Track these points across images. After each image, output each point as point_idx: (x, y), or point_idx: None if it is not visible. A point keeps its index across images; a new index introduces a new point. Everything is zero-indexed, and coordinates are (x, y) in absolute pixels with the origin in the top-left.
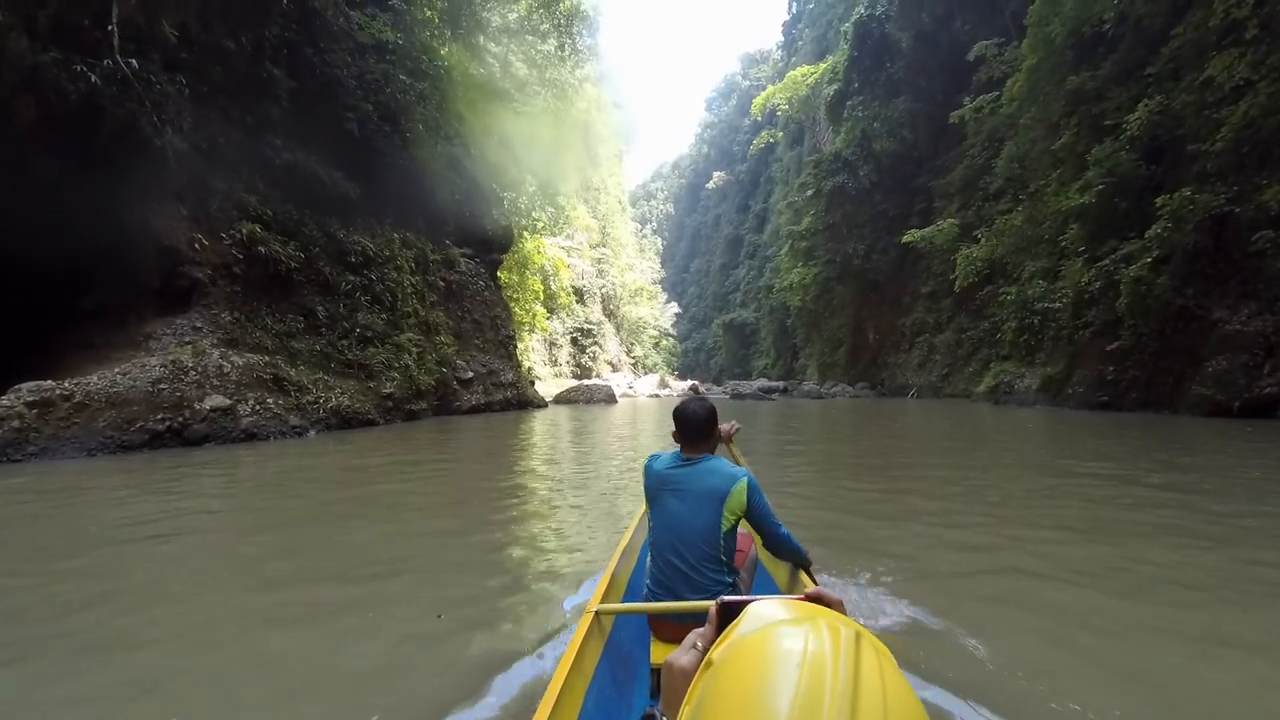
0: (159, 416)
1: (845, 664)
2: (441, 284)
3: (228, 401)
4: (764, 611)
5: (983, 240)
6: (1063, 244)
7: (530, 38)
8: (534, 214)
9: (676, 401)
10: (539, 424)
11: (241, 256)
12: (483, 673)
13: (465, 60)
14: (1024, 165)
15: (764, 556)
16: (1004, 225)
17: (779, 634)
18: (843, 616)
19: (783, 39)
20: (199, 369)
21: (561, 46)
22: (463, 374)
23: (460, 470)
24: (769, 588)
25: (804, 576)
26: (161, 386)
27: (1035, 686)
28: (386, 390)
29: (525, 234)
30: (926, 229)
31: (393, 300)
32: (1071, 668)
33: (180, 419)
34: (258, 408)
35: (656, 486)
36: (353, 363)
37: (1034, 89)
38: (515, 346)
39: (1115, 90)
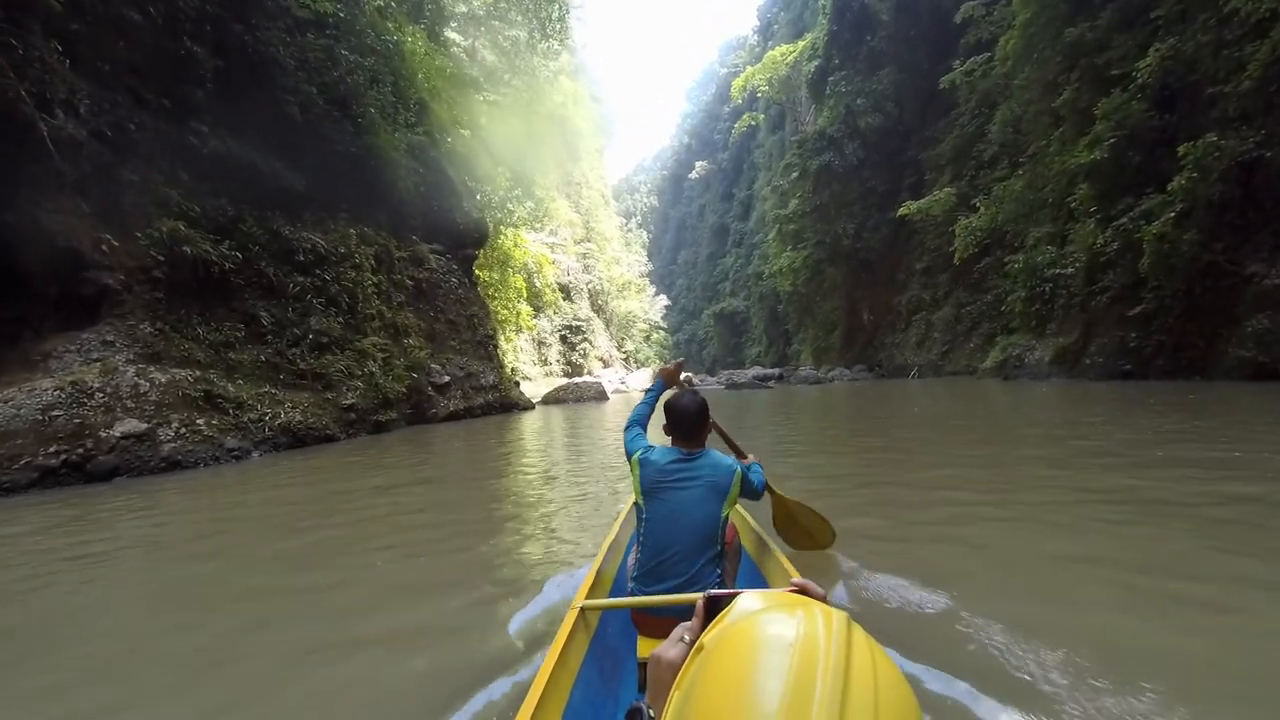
0: (51, 449)
1: (836, 648)
2: (409, 283)
3: (144, 426)
4: (753, 601)
5: (981, 209)
6: (1071, 205)
7: (498, 23)
8: (510, 206)
9: (671, 394)
10: (524, 427)
11: (163, 258)
12: (468, 672)
13: (425, 45)
14: (1020, 129)
15: (748, 545)
16: (1003, 192)
17: (770, 619)
18: (839, 611)
19: (759, 23)
20: (108, 390)
21: (532, 34)
22: (438, 379)
23: (429, 487)
24: (754, 576)
25: (787, 565)
26: (55, 413)
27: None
28: (348, 401)
29: (502, 228)
30: (922, 200)
31: (351, 302)
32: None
33: (80, 450)
34: (184, 431)
35: (656, 480)
36: (306, 372)
37: (1028, 45)
38: (496, 346)
39: (1119, 39)
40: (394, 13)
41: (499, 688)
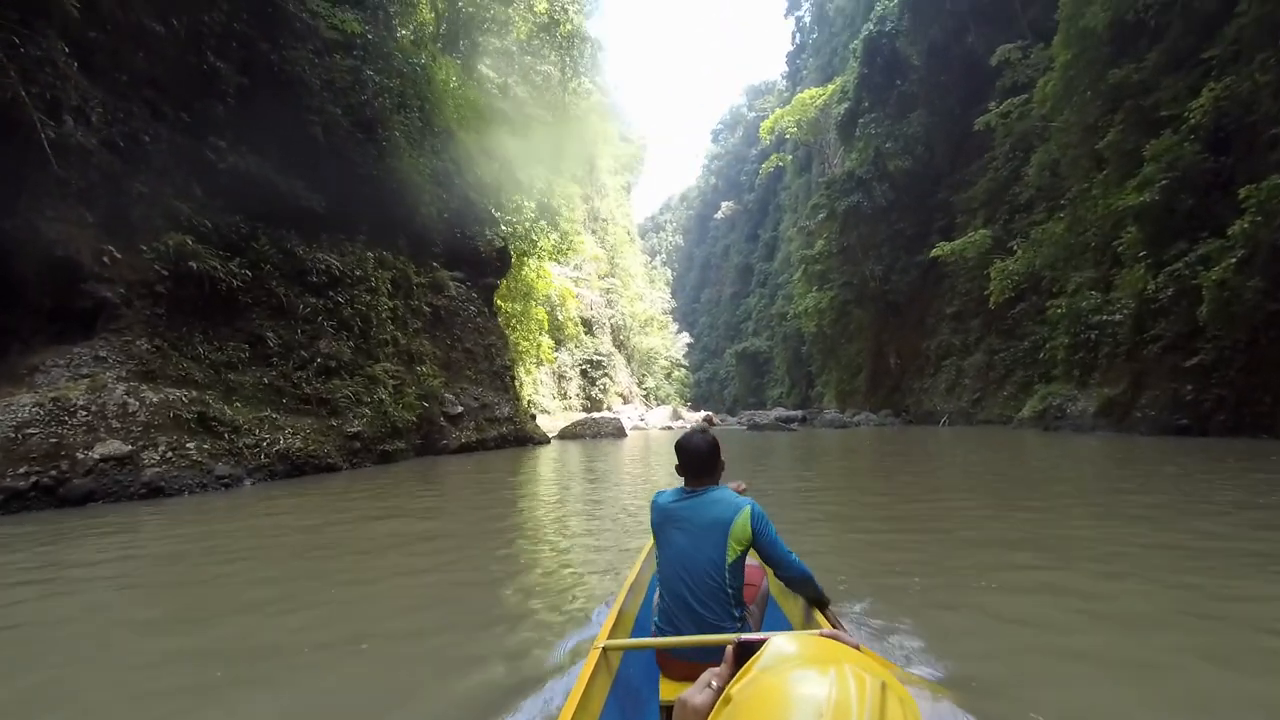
0: (21, 470)
1: (870, 711)
2: (427, 309)
3: (127, 448)
4: (786, 649)
5: (1019, 252)
6: (1118, 249)
7: (530, 59)
8: (534, 236)
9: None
10: (538, 462)
11: (167, 273)
12: (489, 711)
13: (456, 73)
14: (1057, 172)
15: (775, 590)
16: (1042, 235)
17: (802, 677)
18: (868, 663)
19: (787, 69)
20: (92, 408)
21: (564, 71)
22: (451, 409)
23: (433, 524)
24: (781, 626)
25: (819, 616)
26: (30, 431)
27: None
28: (353, 429)
29: (526, 259)
30: (956, 241)
31: (365, 326)
32: None
33: (54, 473)
34: (170, 455)
35: (661, 521)
36: (311, 397)
37: (1068, 88)
38: (513, 378)
39: (1167, 80)
40: (427, 42)
41: None
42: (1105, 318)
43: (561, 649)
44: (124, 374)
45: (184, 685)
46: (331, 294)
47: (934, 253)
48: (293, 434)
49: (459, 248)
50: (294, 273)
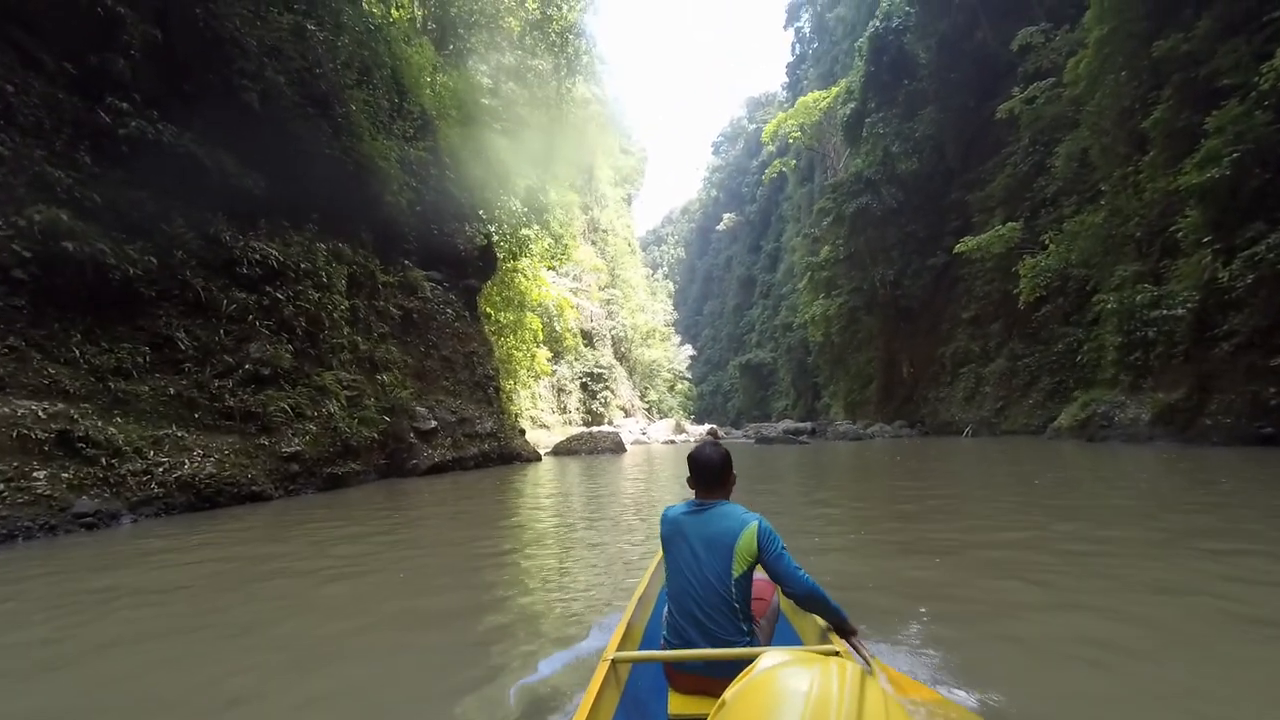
0: None
1: (850, 701)
2: (395, 311)
3: None
4: (775, 657)
5: (1052, 246)
6: (1176, 236)
7: (521, 54)
8: (523, 233)
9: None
10: (523, 484)
11: (29, 255)
12: None
13: (432, 58)
14: (1086, 161)
15: (786, 607)
16: (1077, 228)
17: (787, 674)
18: (851, 660)
19: (787, 79)
20: None
21: (557, 69)
22: (423, 424)
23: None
24: (792, 641)
25: (834, 637)
26: None
27: None
28: (290, 449)
29: (517, 264)
30: (981, 236)
31: (312, 328)
32: None
33: None
34: (1, 488)
35: (670, 534)
36: (234, 411)
37: (1104, 65)
38: (498, 389)
39: (1224, 47)
40: (403, 25)
41: None
42: (1165, 313)
43: (570, 662)
44: None
45: None
46: (269, 289)
47: (957, 248)
48: (203, 456)
49: (435, 245)
50: (219, 263)
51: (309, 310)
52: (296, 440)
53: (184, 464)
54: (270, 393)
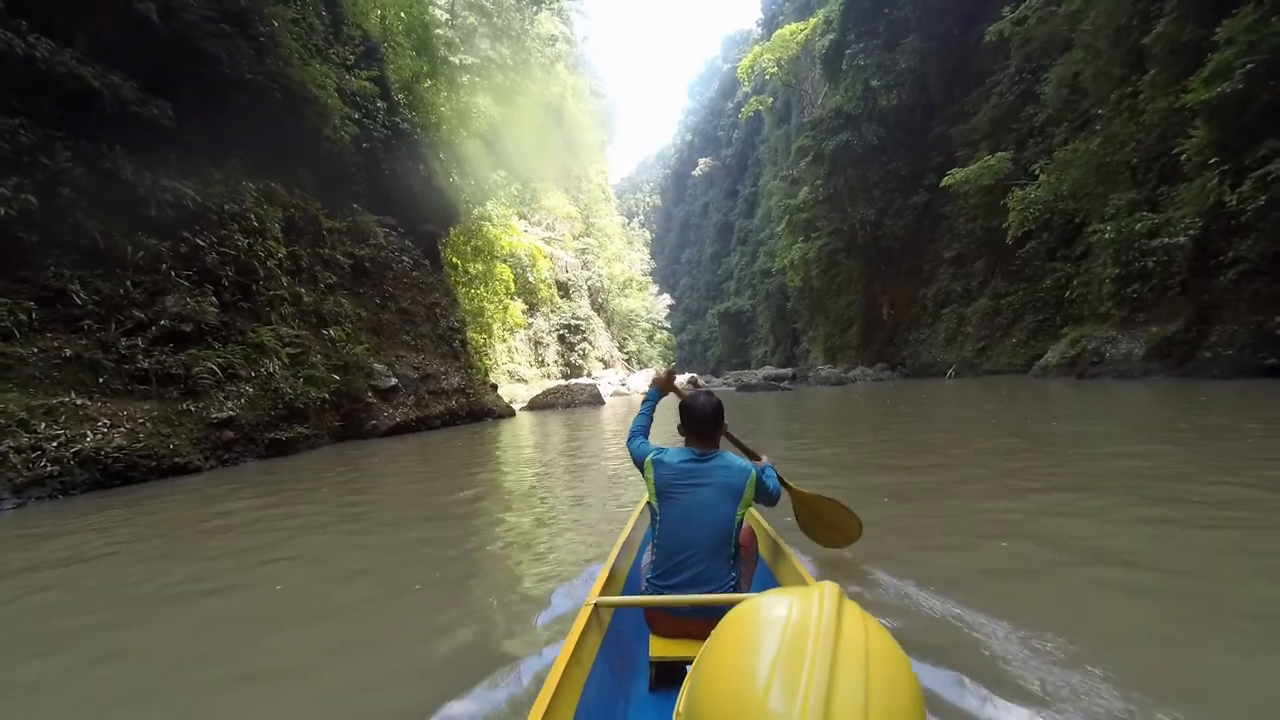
0: None
1: (828, 617)
2: (345, 260)
3: None
4: (761, 592)
5: (1042, 177)
6: (1180, 158)
7: None
8: (486, 173)
9: (675, 399)
10: (493, 443)
11: None
12: (481, 665)
13: None
14: (1076, 87)
15: (763, 550)
16: (1070, 156)
17: (768, 602)
18: (830, 583)
19: (762, 16)
20: None
21: None
22: (382, 381)
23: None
24: (769, 581)
25: (803, 570)
26: None
27: None
28: (221, 414)
29: (484, 211)
30: (970, 168)
31: (243, 279)
32: None
33: None
34: None
35: (670, 480)
36: (149, 373)
37: None
38: (464, 342)
39: None
40: None
41: (510, 681)
42: (1166, 241)
43: (553, 606)
44: None
45: None
46: (185, 234)
47: (944, 182)
48: (110, 427)
49: (389, 187)
50: (119, 204)
51: (237, 258)
52: (230, 404)
53: (85, 436)
54: (194, 351)
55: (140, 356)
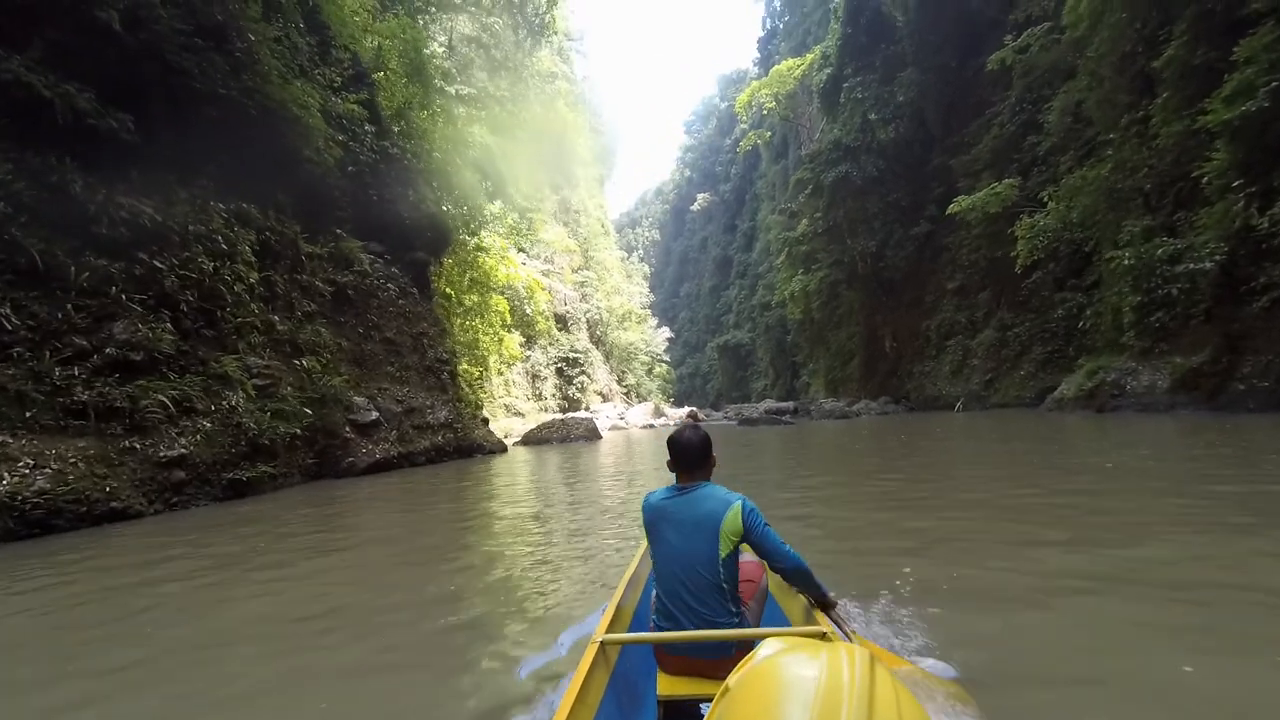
0: None
1: (860, 688)
2: (325, 287)
3: None
4: (779, 643)
5: (1051, 204)
6: (1198, 181)
7: (474, 10)
8: (482, 202)
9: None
10: (477, 483)
11: None
12: (488, 703)
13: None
14: (1079, 115)
15: (775, 587)
16: (1078, 182)
17: (793, 660)
18: (859, 644)
19: (759, 55)
20: None
21: (517, 30)
22: (362, 415)
23: None
24: (780, 622)
25: (819, 615)
26: None
27: None
28: (171, 451)
29: (479, 240)
30: (976, 195)
31: (207, 305)
32: None
33: None
34: None
35: (654, 519)
36: (88, 408)
37: (1107, 1)
38: (453, 374)
39: None
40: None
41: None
42: (1191, 267)
43: (560, 644)
44: None
45: None
46: (141, 255)
47: (950, 209)
48: (34, 467)
49: (375, 213)
50: (66, 221)
51: (201, 282)
52: (182, 440)
53: (1, 479)
54: (143, 383)
55: (79, 388)
